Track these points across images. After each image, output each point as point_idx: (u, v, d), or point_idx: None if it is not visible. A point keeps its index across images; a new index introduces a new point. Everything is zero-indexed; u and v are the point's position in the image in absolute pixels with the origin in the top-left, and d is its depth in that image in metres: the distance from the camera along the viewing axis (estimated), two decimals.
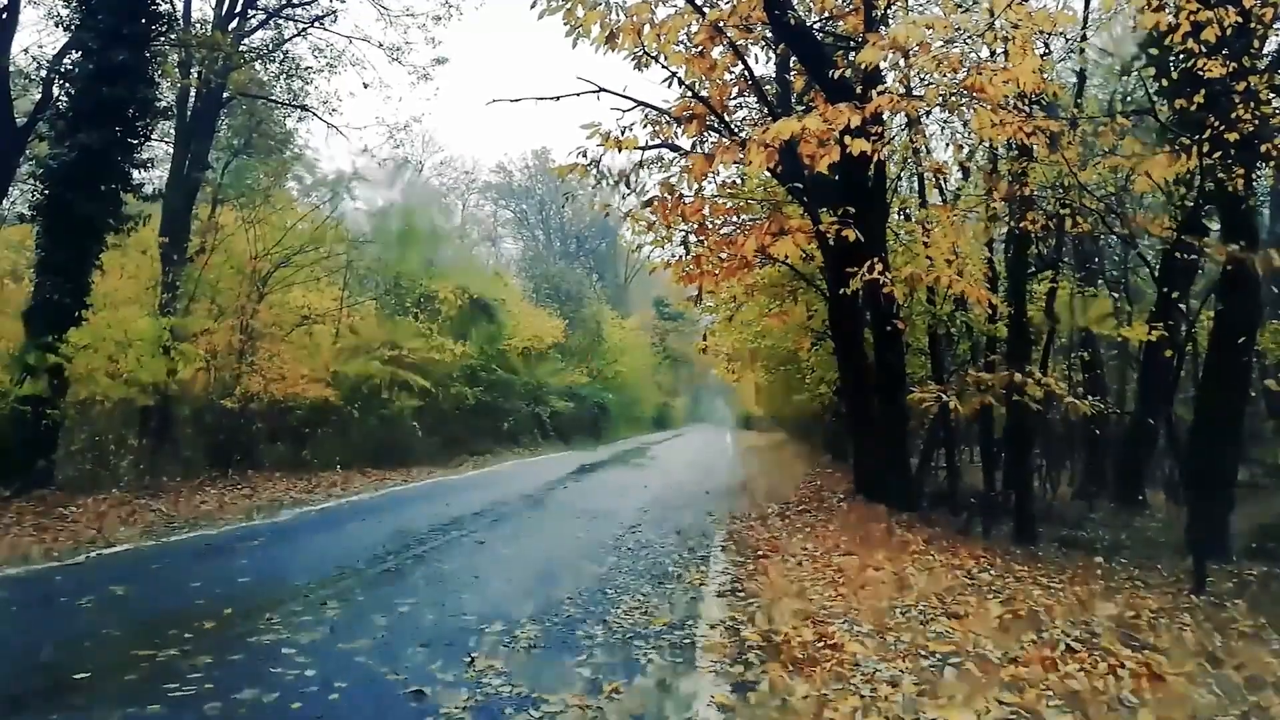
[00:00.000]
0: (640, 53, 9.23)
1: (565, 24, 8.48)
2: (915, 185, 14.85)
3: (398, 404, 19.27)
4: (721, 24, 9.56)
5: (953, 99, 9.15)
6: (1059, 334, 14.26)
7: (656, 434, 48.29)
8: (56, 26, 12.20)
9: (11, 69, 12.55)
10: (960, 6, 9.08)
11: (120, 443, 13.18)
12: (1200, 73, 8.31)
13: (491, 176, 56.43)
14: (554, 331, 30.46)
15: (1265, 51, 9.33)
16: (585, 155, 9.32)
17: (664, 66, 9.91)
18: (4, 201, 12.70)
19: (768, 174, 11.68)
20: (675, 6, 9.40)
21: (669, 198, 10.02)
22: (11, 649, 5.12)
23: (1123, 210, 12.50)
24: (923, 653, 5.20)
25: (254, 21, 16.71)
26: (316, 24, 16.77)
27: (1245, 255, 9.08)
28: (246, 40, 16.53)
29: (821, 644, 5.28)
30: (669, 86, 10.58)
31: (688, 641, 5.49)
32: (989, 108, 8.42)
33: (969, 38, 7.64)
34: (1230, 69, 8.23)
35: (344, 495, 13.50)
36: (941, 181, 13.78)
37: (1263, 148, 8.65)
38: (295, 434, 17.68)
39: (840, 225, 9.33)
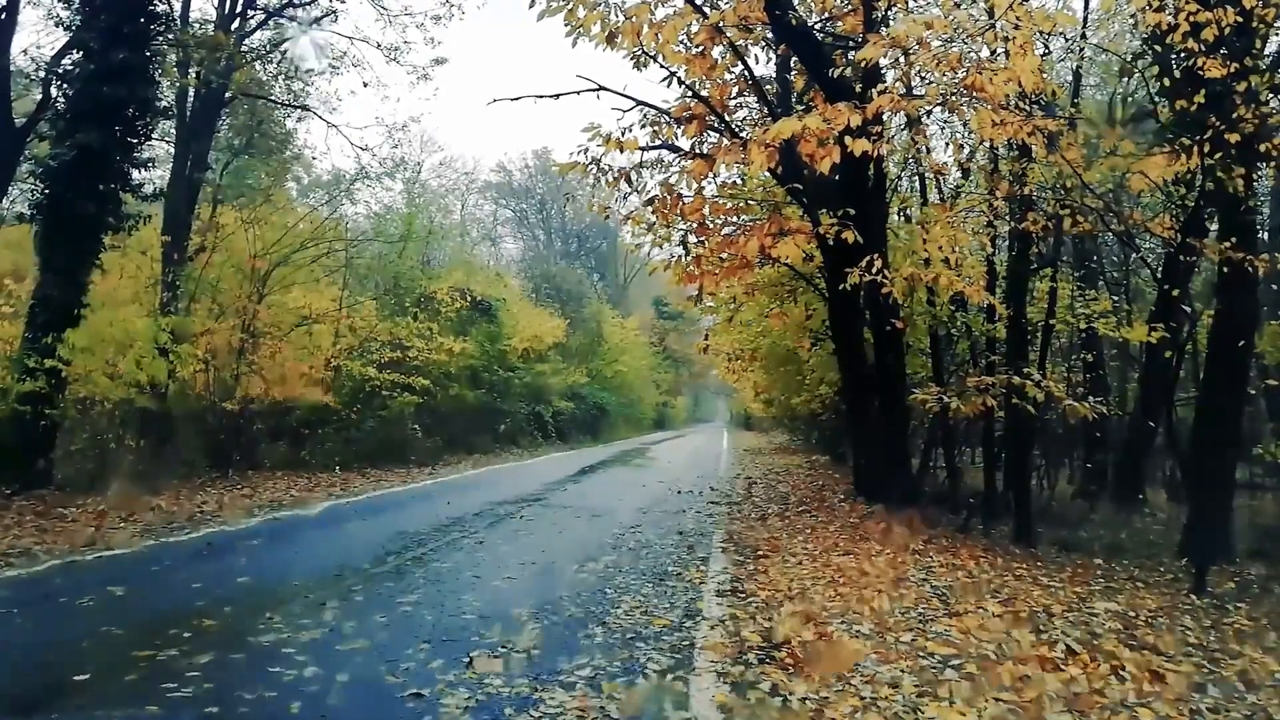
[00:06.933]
0: (640, 53, 9.24)
1: (565, 24, 8.50)
2: (916, 185, 14.83)
3: (397, 404, 19.26)
4: (721, 24, 9.56)
5: (953, 99, 9.14)
6: (1059, 335, 14.22)
7: (656, 434, 48.26)
8: (56, 26, 12.22)
9: (11, 69, 12.55)
10: (959, 5, 9.07)
11: (120, 443, 13.18)
12: (1200, 72, 8.30)
13: (491, 176, 56.49)
14: (554, 331, 30.45)
15: (1266, 52, 9.31)
16: (586, 154, 9.35)
17: (663, 66, 9.93)
18: (4, 201, 12.69)
19: (768, 174, 11.68)
20: (675, 7, 9.41)
21: (668, 197, 10.03)
22: (11, 649, 5.11)
23: (1122, 210, 12.46)
24: (923, 653, 5.21)
25: (254, 21, 16.73)
26: (316, 24, 16.82)
27: (1243, 256, 9.07)
28: (247, 40, 16.55)
29: (821, 644, 5.28)
30: (669, 86, 10.60)
31: (687, 643, 5.49)
32: (990, 107, 8.41)
33: (969, 36, 7.62)
34: (1230, 69, 8.21)
35: (344, 495, 13.49)
36: (941, 182, 13.76)
37: (1262, 147, 8.63)
38: (295, 434, 17.71)
39: (840, 226, 9.33)
